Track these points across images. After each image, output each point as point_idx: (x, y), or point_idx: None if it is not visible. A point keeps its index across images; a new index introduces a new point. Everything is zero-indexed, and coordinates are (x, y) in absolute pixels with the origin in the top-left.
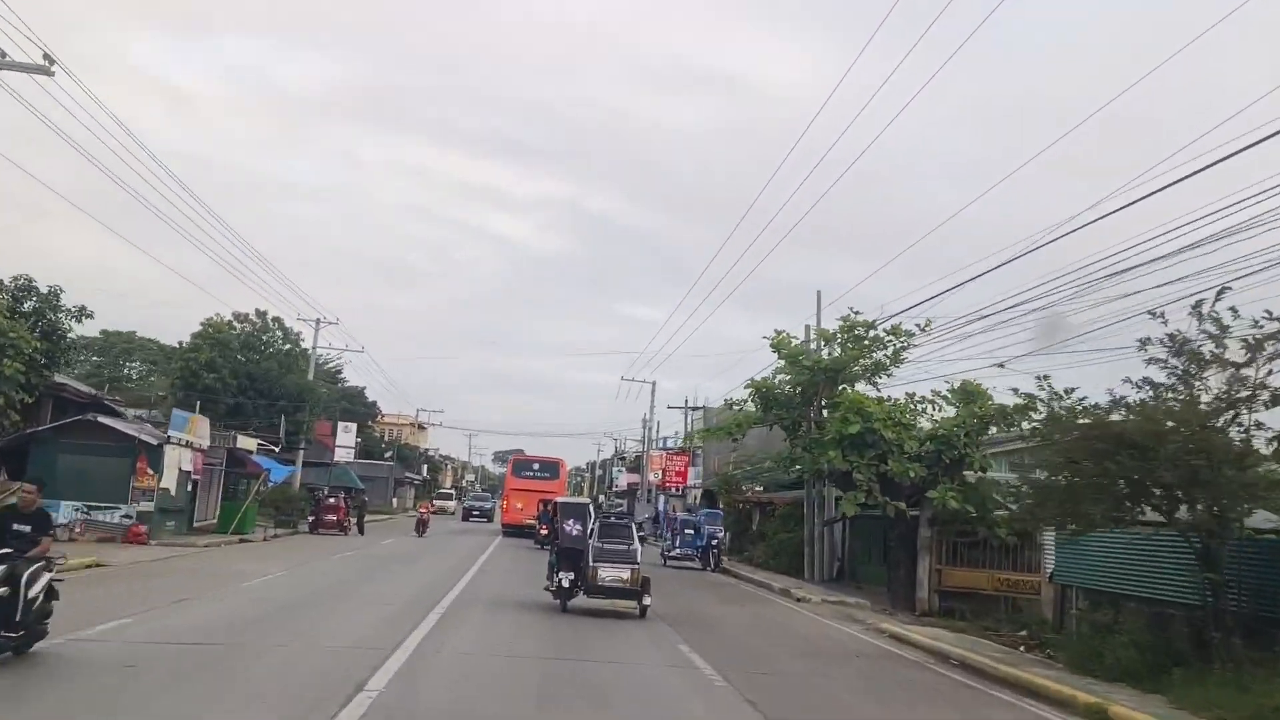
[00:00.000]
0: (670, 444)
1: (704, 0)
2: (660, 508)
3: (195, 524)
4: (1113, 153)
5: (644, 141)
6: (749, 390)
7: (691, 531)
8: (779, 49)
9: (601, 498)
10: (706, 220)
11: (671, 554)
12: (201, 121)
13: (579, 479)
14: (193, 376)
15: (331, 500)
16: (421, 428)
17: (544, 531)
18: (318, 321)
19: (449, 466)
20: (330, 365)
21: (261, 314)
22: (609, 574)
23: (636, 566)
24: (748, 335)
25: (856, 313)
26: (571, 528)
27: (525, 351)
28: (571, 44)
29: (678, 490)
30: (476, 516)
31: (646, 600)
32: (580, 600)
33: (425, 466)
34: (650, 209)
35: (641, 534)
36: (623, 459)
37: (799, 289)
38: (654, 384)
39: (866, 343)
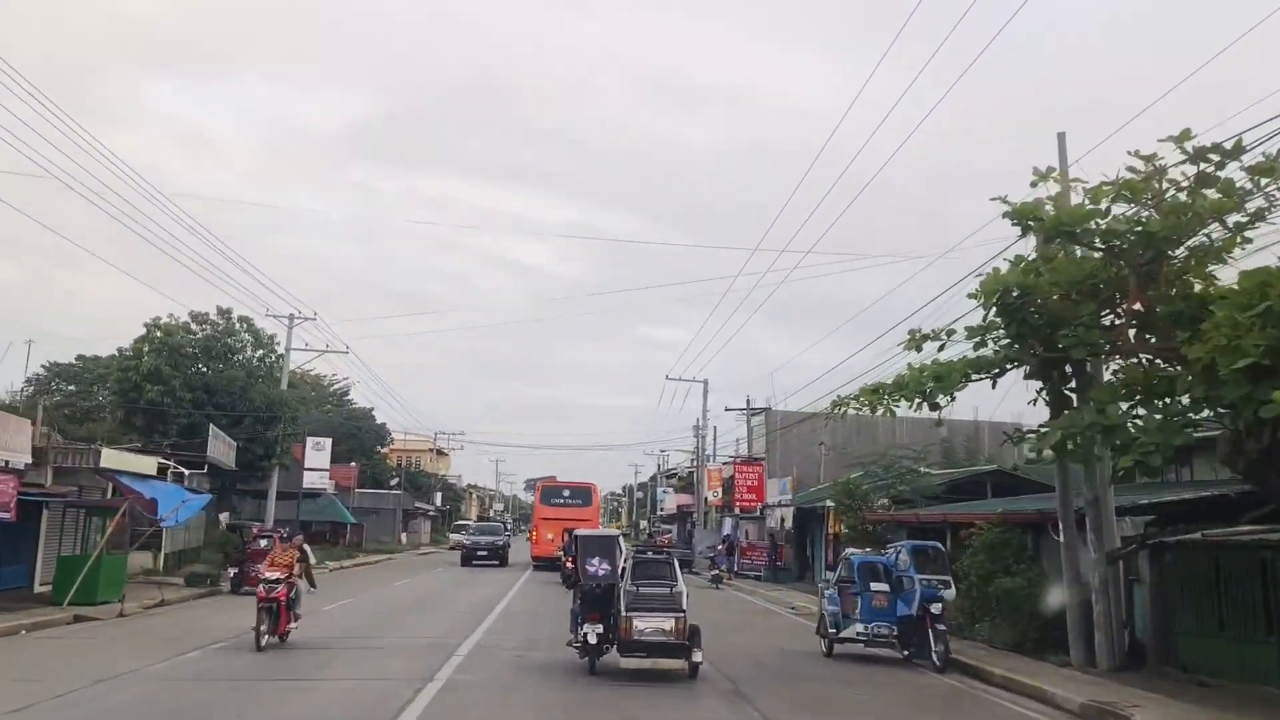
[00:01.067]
0: (716, 458)
1: (713, 18)
2: (730, 532)
3: (38, 587)
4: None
5: (659, 161)
6: (978, 297)
7: (882, 590)
8: (790, 63)
9: (643, 524)
10: (726, 238)
11: (848, 633)
12: (221, 162)
13: (614, 505)
14: (134, 390)
15: (264, 542)
16: (441, 453)
17: (569, 565)
18: (291, 318)
19: (473, 496)
20: (335, 385)
21: (225, 313)
22: (647, 625)
23: (681, 614)
24: (774, 351)
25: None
26: (597, 567)
27: (550, 379)
28: (583, 67)
29: (755, 511)
30: (483, 558)
31: (697, 656)
32: (614, 656)
33: (440, 495)
34: (669, 229)
35: (698, 570)
36: (670, 477)
37: (827, 302)
38: (705, 382)
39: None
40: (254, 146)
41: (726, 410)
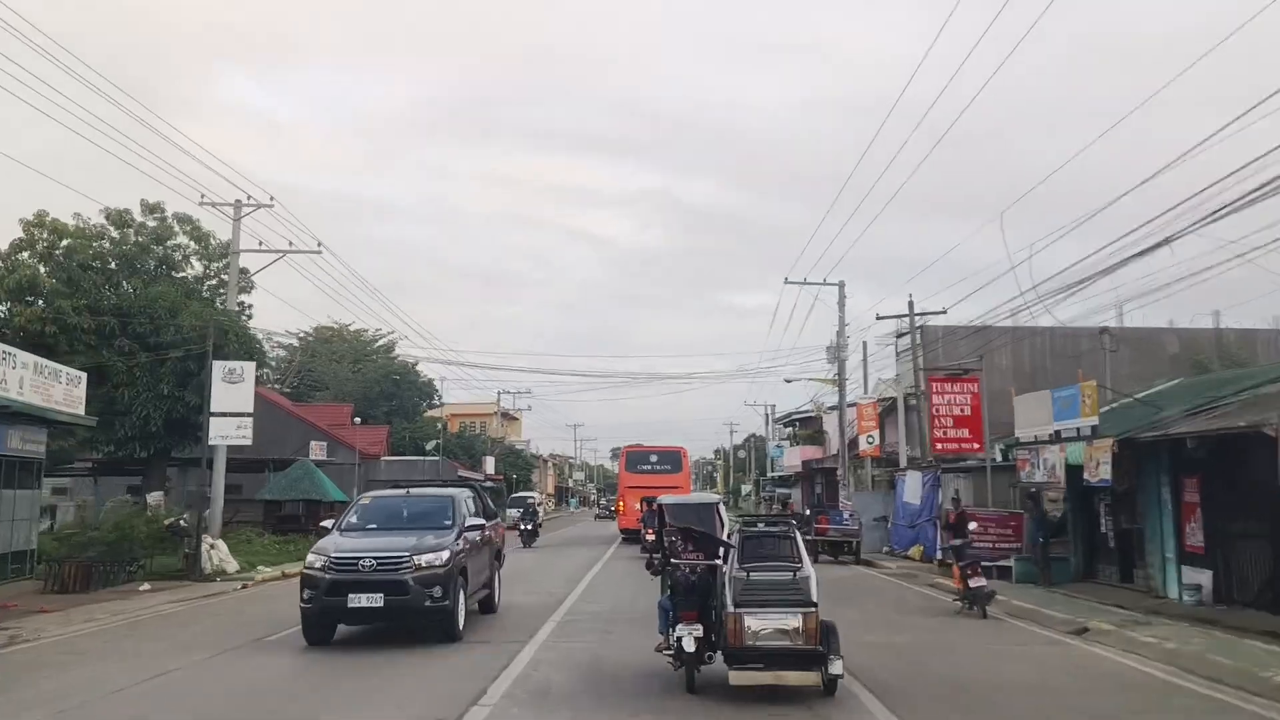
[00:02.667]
0: (868, 386)
1: None
2: (929, 494)
3: None
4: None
5: (732, 123)
6: None
7: None
8: (868, 12)
9: (744, 489)
10: (802, 198)
11: None
12: (293, 150)
13: (709, 469)
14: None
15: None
16: (509, 416)
17: (649, 536)
18: (238, 205)
19: (549, 465)
20: (379, 340)
21: (154, 209)
22: (763, 624)
23: (811, 608)
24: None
25: None
26: (690, 547)
27: (633, 350)
28: (649, 30)
29: (969, 456)
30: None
31: (835, 667)
32: (720, 667)
33: (491, 461)
34: (745, 192)
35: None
36: (794, 424)
37: (905, 262)
38: (841, 285)
39: None
40: (324, 132)
41: (879, 319)
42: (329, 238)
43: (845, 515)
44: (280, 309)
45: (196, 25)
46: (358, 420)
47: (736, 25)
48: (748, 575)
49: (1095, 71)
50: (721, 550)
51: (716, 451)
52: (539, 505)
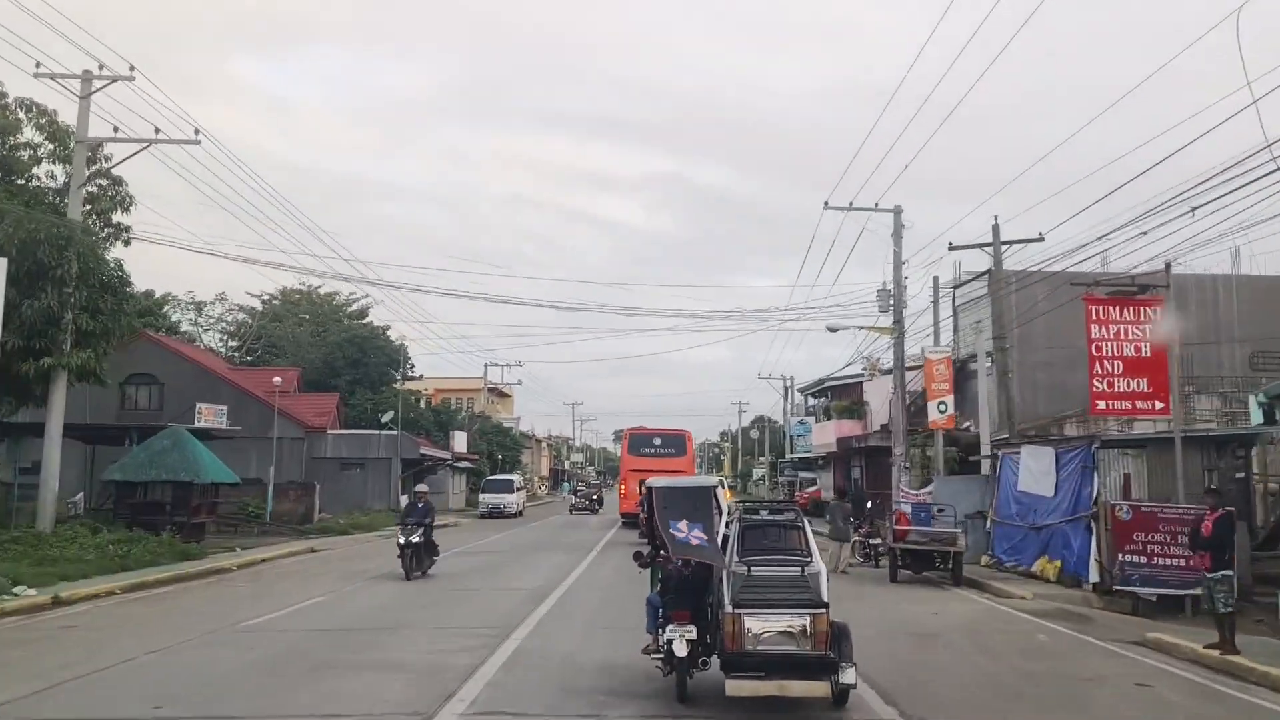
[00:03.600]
0: (940, 340)
1: None
2: (1075, 481)
3: None
4: None
5: (745, 106)
6: None
7: None
8: None
9: (756, 474)
10: (815, 182)
11: None
12: (306, 131)
13: (715, 452)
14: None
15: None
16: (499, 393)
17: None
18: (87, 76)
19: (543, 445)
20: (351, 303)
21: None
22: (766, 626)
23: (820, 609)
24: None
25: None
26: (685, 534)
27: (642, 335)
28: (662, 11)
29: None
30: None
31: (848, 676)
32: (714, 673)
33: (463, 437)
34: (757, 176)
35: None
36: (824, 394)
37: (923, 239)
38: (898, 211)
39: None
40: (336, 115)
41: (951, 249)
42: (338, 220)
43: (931, 510)
44: (242, 272)
45: (205, 4)
46: (339, 400)
47: (750, 6)
48: (748, 570)
49: None
50: (717, 541)
51: (723, 434)
52: (521, 487)
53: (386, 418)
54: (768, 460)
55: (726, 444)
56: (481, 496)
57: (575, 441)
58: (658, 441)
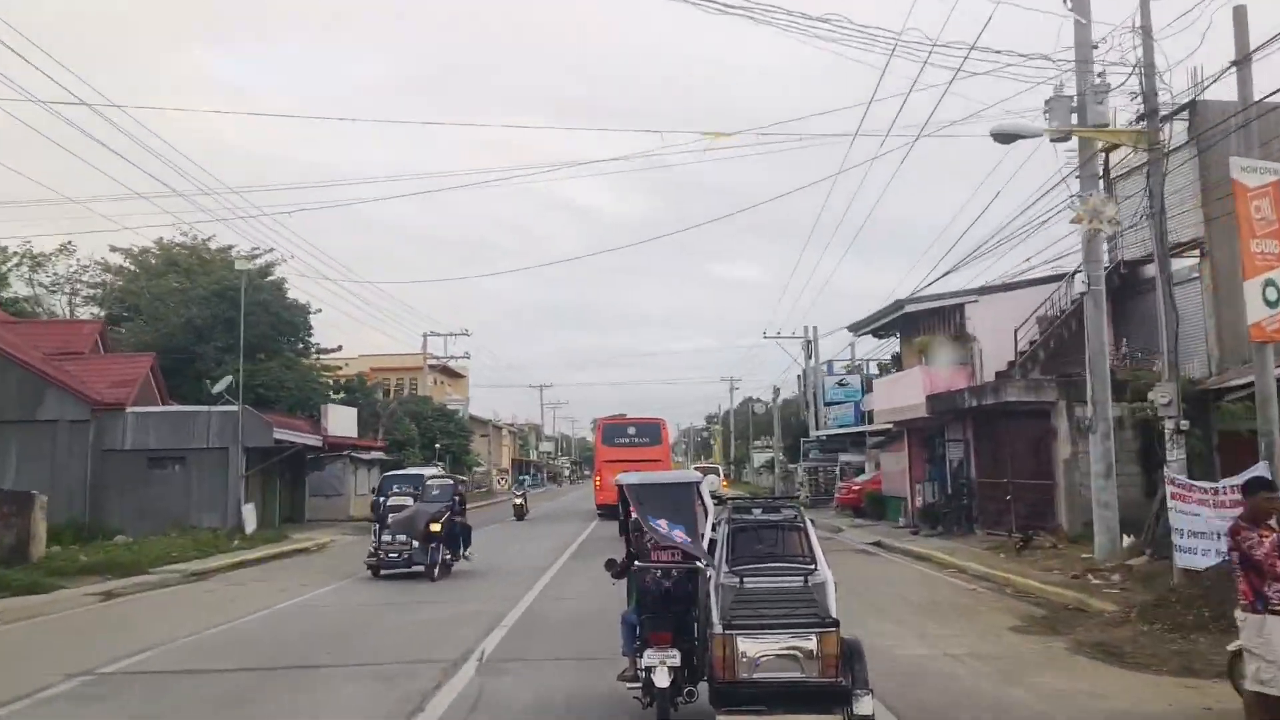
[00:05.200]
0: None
1: None
2: None
3: None
4: None
5: (719, 83)
6: None
7: None
8: None
9: (764, 461)
10: (796, 164)
11: None
12: (266, 122)
13: (704, 437)
14: None
15: None
16: (451, 373)
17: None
18: None
19: (504, 433)
20: (255, 256)
21: None
22: (764, 649)
23: (829, 627)
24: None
25: None
26: (663, 536)
27: (616, 325)
28: None
29: None
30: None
31: (863, 707)
32: (703, 704)
33: (342, 414)
34: (733, 158)
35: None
36: (891, 331)
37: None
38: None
39: None
40: (296, 103)
41: None
42: (305, 214)
43: None
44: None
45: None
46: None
47: None
48: (740, 582)
49: None
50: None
51: (710, 417)
52: (458, 487)
53: (220, 386)
54: (778, 443)
55: (717, 427)
56: (377, 500)
57: (545, 429)
58: (632, 431)
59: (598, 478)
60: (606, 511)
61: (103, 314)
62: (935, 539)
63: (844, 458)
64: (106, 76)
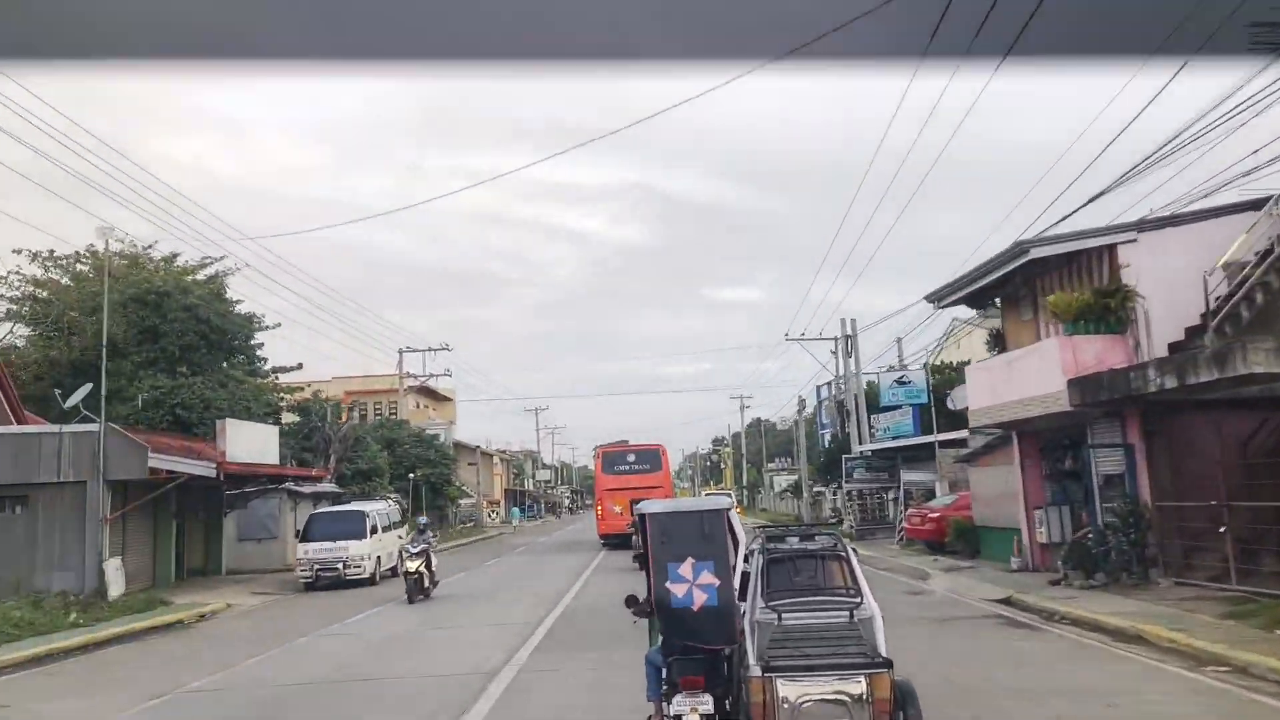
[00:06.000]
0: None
1: None
2: None
3: None
4: None
5: (711, 106)
6: None
7: None
8: None
9: (787, 484)
10: (793, 187)
11: None
12: (257, 152)
13: (714, 460)
14: None
15: None
16: (435, 395)
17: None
18: None
19: (495, 460)
20: (206, 264)
21: None
22: (806, 693)
23: (880, 667)
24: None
25: None
26: (689, 581)
27: (614, 352)
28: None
29: None
30: None
31: None
32: None
33: (253, 432)
34: (727, 181)
35: None
36: (992, 294)
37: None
38: None
39: None
40: (289, 137)
41: None
42: (300, 246)
43: None
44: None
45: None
46: None
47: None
48: (779, 618)
49: None
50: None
51: (717, 440)
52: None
53: (76, 398)
54: (803, 463)
55: (727, 449)
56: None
57: (542, 456)
58: (631, 458)
59: (599, 506)
60: (612, 541)
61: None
62: (1099, 593)
63: (909, 476)
64: (106, 113)
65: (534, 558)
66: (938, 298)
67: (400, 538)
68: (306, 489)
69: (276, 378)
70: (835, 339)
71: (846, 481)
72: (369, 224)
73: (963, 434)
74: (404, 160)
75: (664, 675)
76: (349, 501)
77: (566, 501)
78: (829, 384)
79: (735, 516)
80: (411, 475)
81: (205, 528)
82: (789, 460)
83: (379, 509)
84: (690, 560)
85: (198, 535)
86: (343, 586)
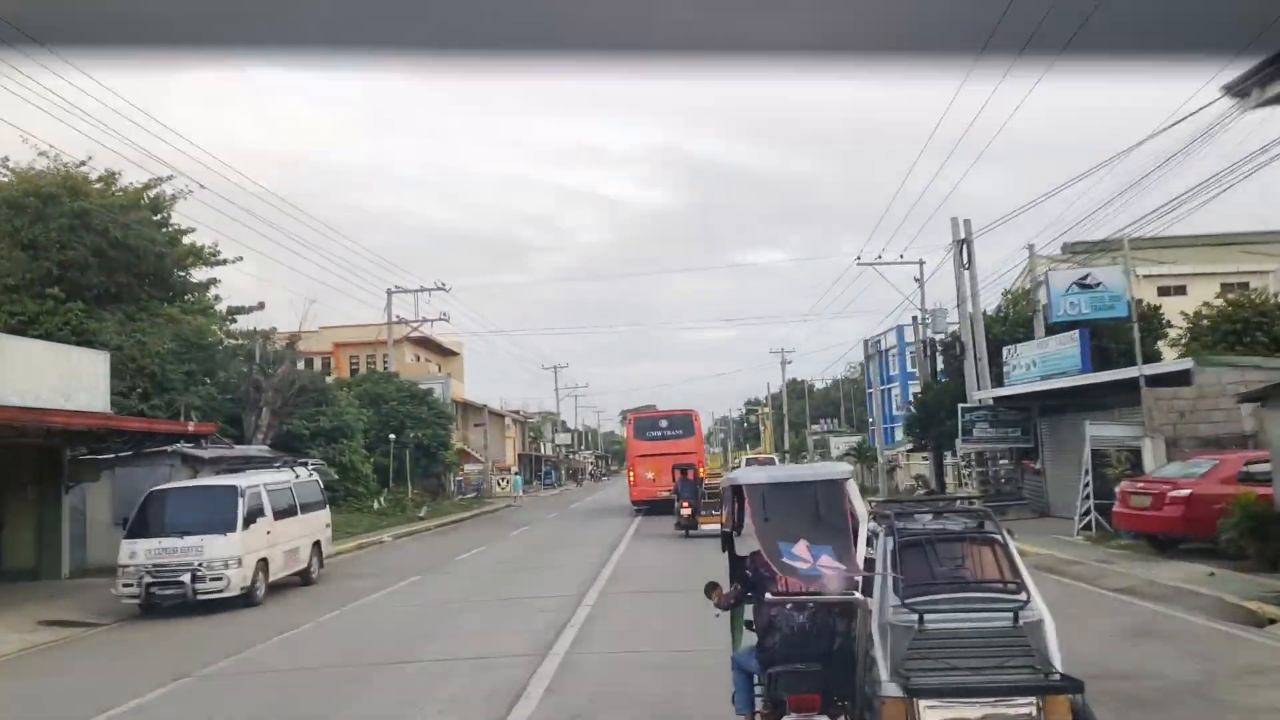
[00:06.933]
0: None
1: None
2: None
3: None
4: None
5: (741, 64)
6: None
7: None
8: None
9: (847, 445)
10: (822, 147)
11: None
12: (285, 119)
13: (750, 421)
14: None
15: None
16: (439, 349)
17: (685, 510)
18: None
19: (507, 422)
20: (154, 186)
21: None
22: (956, 717)
23: (1058, 688)
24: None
25: None
26: (811, 563)
27: (643, 316)
28: None
29: None
30: None
31: None
32: None
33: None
34: (756, 143)
35: None
36: None
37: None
38: None
39: None
40: (317, 102)
41: None
42: (329, 212)
43: None
44: None
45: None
46: None
47: None
48: (920, 620)
49: None
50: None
51: (751, 402)
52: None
53: None
54: (879, 418)
55: (766, 410)
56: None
57: (564, 419)
58: (664, 424)
59: (631, 473)
60: (645, 506)
61: None
62: None
63: (1099, 431)
64: (123, 79)
65: (510, 564)
66: (1235, 86)
67: (328, 525)
68: (208, 453)
69: (233, 320)
70: (919, 262)
71: (964, 440)
72: (399, 191)
73: (1184, 364)
74: (428, 125)
75: (756, 684)
76: (286, 469)
77: (589, 468)
78: (914, 319)
79: (854, 489)
80: (393, 437)
81: (39, 510)
82: (830, 423)
83: (273, 483)
84: (804, 543)
85: (26, 521)
86: (196, 611)
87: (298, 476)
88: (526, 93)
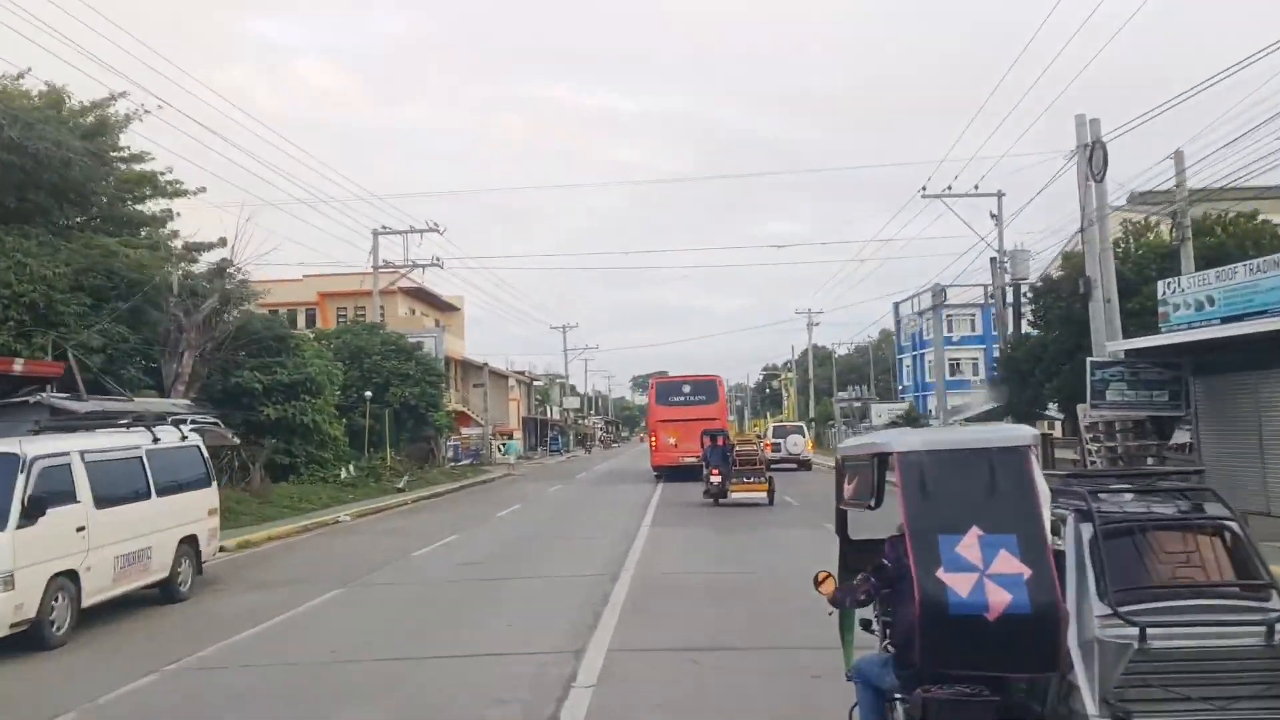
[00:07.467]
0: None
1: None
2: None
3: None
4: None
5: (762, 31)
6: None
7: None
8: None
9: (896, 411)
10: (838, 116)
11: None
12: (300, 85)
13: (772, 387)
14: None
15: None
16: (436, 303)
17: (715, 477)
18: None
19: (510, 383)
20: (107, 105)
21: None
22: None
23: None
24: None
25: None
26: (971, 561)
27: (655, 283)
28: None
29: None
30: None
31: None
32: None
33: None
34: (774, 111)
35: None
36: None
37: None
38: None
39: None
40: (335, 65)
41: None
42: (344, 176)
43: None
44: None
45: None
46: None
47: None
48: (1140, 636)
49: None
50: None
51: (769, 367)
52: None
53: None
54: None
55: (790, 374)
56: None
57: (575, 384)
58: (687, 389)
59: (653, 438)
60: (667, 472)
61: None
62: None
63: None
64: (133, 38)
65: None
66: None
67: (213, 510)
68: (84, 406)
69: (193, 259)
70: (997, 194)
71: (1095, 405)
72: (408, 155)
73: None
74: (443, 89)
75: (890, 706)
76: (142, 430)
77: (599, 433)
78: (992, 261)
79: (1036, 459)
80: (369, 395)
81: None
82: (861, 389)
83: (103, 450)
84: (975, 533)
85: None
86: None
87: (157, 441)
88: (543, 58)
